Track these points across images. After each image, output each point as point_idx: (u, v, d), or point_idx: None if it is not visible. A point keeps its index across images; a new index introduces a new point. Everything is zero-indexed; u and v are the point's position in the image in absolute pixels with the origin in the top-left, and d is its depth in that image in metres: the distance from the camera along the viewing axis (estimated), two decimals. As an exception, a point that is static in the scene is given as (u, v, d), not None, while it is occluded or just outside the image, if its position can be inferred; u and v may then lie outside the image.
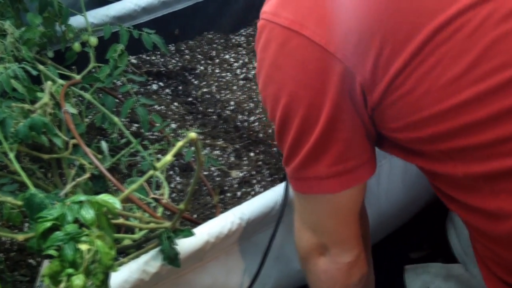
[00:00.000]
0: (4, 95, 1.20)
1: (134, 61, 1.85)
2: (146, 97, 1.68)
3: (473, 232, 0.89)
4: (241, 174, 1.51)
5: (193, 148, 1.36)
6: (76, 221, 0.80)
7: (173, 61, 1.88)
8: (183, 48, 1.94)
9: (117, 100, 1.50)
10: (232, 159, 1.56)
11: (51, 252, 0.78)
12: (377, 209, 1.36)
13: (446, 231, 1.45)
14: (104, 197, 0.81)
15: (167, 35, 1.72)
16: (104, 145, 1.31)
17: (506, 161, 0.77)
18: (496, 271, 0.87)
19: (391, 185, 1.41)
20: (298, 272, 1.29)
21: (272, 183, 1.48)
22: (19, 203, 1.00)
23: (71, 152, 1.21)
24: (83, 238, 0.77)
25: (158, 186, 1.37)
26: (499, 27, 0.74)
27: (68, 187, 1.09)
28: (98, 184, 1.26)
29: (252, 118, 1.68)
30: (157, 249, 1.08)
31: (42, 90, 1.21)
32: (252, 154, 1.57)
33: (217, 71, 1.86)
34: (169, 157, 0.91)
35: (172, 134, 1.58)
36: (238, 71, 1.86)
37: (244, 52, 1.94)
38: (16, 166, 1.03)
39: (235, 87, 1.79)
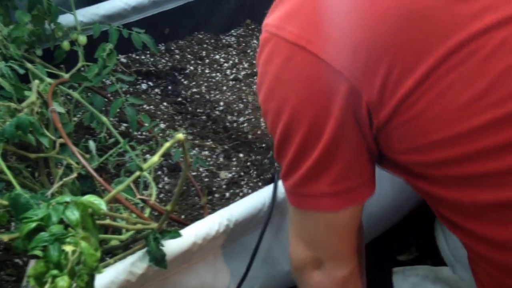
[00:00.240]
0: (-9, 93, 1.19)
1: (123, 60, 1.84)
2: (135, 96, 1.67)
3: (475, 257, 0.87)
4: (229, 175, 1.51)
5: (181, 149, 1.36)
6: (61, 221, 0.79)
7: (163, 60, 1.88)
8: (173, 48, 1.93)
9: (106, 100, 1.50)
10: (221, 160, 1.56)
11: (37, 252, 0.77)
12: (365, 212, 1.35)
13: (435, 234, 1.45)
14: (89, 198, 0.80)
15: (157, 35, 1.72)
16: (91, 144, 1.30)
17: None
18: None
19: (380, 188, 1.41)
20: (285, 274, 1.29)
21: (261, 185, 1.47)
22: (5, 202, 0.99)
23: (58, 152, 1.20)
24: (68, 239, 0.77)
25: (146, 186, 1.36)
26: None
27: (55, 186, 1.08)
28: (85, 184, 1.25)
29: (241, 119, 1.67)
30: (144, 250, 1.07)
31: (30, 89, 1.20)
32: (241, 155, 1.57)
33: (207, 71, 1.86)
34: (156, 158, 0.91)
35: (161, 134, 1.57)
36: (228, 72, 1.86)
37: (234, 53, 1.94)
38: (2, 165, 1.02)
39: (224, 88, 1.79)
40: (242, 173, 1.51)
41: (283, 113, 0.83)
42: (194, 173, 1.51)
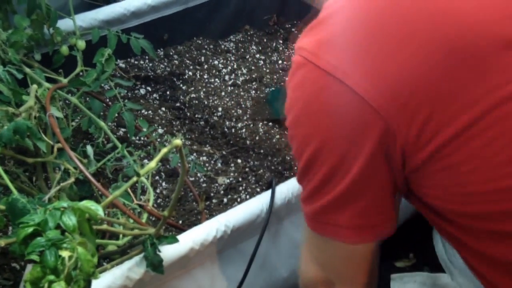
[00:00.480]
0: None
1: (122, 65, 1.84)
2: (133, 101, 1.67)
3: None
4: (227, 181, 1.51)
5: (179, 154, 1.36)
6: (58, 227, 0.79)
7: (162, 66, 1.88)
8: (171, 53, 1.93)
9: (104, 105, 1.50)
10: (219, 165, 1.56)
11: (33, 257, 0.77)
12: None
13: (433, 241, 1.45)
14: (86, 204, 0.80)
15: (156, 40, 1.72)
16: (89, 149, 1.30)
17: None
18: None
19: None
20: (283, 281, 1.29)
21: (259, 191, 1.47)
22: (2, 207, 0.99)
23: (56, 156, 1.20)
24: (65, 245, 0.77)
25: (144, 192, 1.36)
26: None
27: (53, 191, 1.08)
28: (83, 188, 1.25)
29: (239, 125, 1.67)
30: (141, 255, 1.07)
31: (28, 93, 1.20)
32: (239, 160, 1.57)
33: (205, 76, 1.86)
34: (153, 163, 0.91)
35: (159, 140, 1.57)
36: (226, 77, 1.86)
37: (233, 58, 1.94)
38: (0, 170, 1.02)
39: (223, 93, 1.79)
40: (240, 179, 1.51)
41: (311, 142, 0.80)
42: (192, 179, 1.51)
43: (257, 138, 1.63)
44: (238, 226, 1.17)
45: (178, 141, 0.87)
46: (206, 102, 1.75)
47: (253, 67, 1.90)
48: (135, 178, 0.95)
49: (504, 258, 0.78)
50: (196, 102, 1.75)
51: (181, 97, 1.77)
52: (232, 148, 1.60)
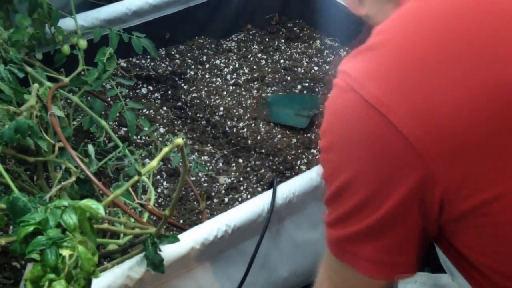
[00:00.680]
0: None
1: (123, 64, 1.84)
2: (135, 101, 1.67)
3: None
4: (228, 180, 1.51)
5: (180, 153, 1.36)
6: (59, 225, 0.79)
7: (163, 65, 1.88)
8: (173, 53, 1.93)
9: (105, 104, 1.50)
10: (220, 165, 1.56)
11: (34, 256, 0.77)
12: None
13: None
14: (87, 202, 0.80)
15: (157, 39, 1.72)
16: (90, 148, 1.30)
17: None
18: None
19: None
20: (283, 281, 1.29)
21: (260, 190, 1.47)
22: (3, 206, 0.99)
23: (57, 155, 1.20)
24: (65, 244, 0.77)
25: (145, 191, 1.36)
26: None
27: (53, 190, 1.08)
28: (84, 188, 1.25)
29: (241, 124, 1.67)
30: (141, 254, 1.07)
31: (29, 92, 1.20)
32: (240, 160, 1.57)
33: (207, 76, 1.86)
34: (154, 163, 0.91)
35: (160, 139, 1.57)
36: (228, 77, 1.86)
37: (234, 58, 1.94)
38: (1, 168, 1.03)
39: (224, 93, 1.79)
40: (241, 179, 1.51)
41: (344, 172, 0.75)
42: (193, 178, 1.50)
43: (258, 137, 1.63)
44: (239, 226, 1.17)
45: (179, 141, 0.87)
46: (207, 102, 1.75)
47: (255, 67, 1.90)
48: (136, 177, 0.95)
49: None
50: (198, 101, 1.75)
51: (183, 96, 1.77)
52: (234, 147, 1.60)
